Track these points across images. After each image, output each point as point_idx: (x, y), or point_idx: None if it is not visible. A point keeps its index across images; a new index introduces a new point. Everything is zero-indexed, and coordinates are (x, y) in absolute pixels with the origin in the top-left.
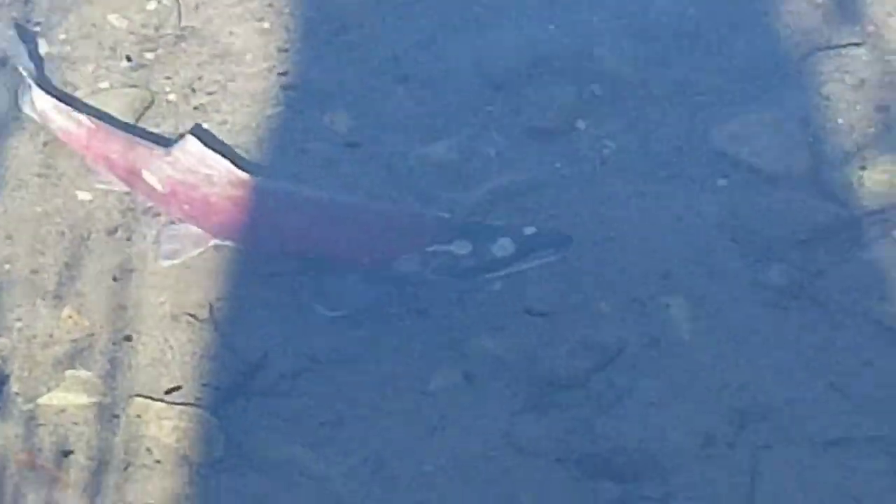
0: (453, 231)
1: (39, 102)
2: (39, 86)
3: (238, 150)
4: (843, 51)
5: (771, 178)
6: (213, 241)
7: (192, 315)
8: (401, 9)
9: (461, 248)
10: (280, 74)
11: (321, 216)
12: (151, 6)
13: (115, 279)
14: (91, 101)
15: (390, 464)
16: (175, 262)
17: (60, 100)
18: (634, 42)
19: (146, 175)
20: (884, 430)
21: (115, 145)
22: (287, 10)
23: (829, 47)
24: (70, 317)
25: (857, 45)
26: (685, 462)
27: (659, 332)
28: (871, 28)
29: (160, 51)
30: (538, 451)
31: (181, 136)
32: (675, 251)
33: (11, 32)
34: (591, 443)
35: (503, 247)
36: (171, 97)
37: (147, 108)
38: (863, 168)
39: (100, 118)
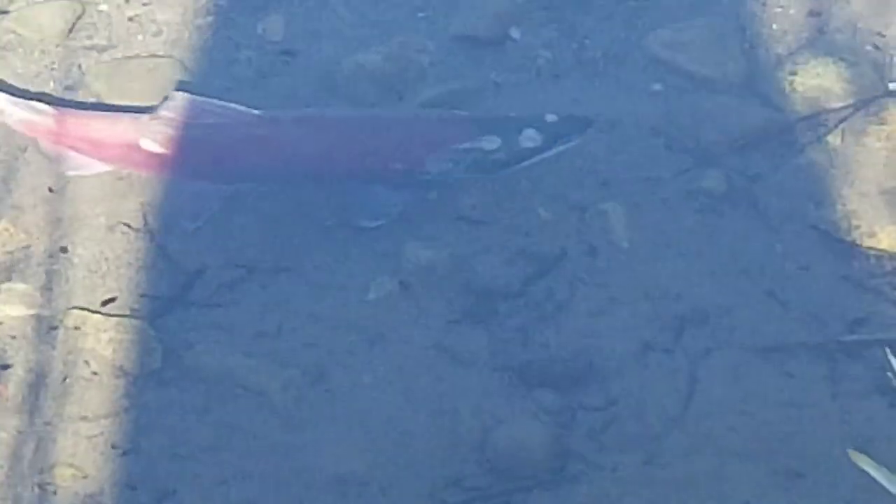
0: (480, 127)
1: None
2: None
3: (174, 61)
4: None
5: (706, 83)
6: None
7: (127, 225)
8: None
9: (490, 143)
10: None
11: (350, 133)
12: None
13: (50, 191)
14: (23, 14)
15: (328, 374)
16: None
17: (12, 93)
18: None
19: (144, 143)
20: (820, 336)
21: (93, 125)
22: None
23: None
24: (6, 229)
25: None
26: (624, 369)
27: (597, 240)
28: None
29: None
30: (476, 361)
31: (164, 98)
32: (611, 158)
33: None
34: (530, 352)
35: (530, 137)
36: (104, 7)
37: (78, 18)
38: (794, 73)
39: (61, 105)
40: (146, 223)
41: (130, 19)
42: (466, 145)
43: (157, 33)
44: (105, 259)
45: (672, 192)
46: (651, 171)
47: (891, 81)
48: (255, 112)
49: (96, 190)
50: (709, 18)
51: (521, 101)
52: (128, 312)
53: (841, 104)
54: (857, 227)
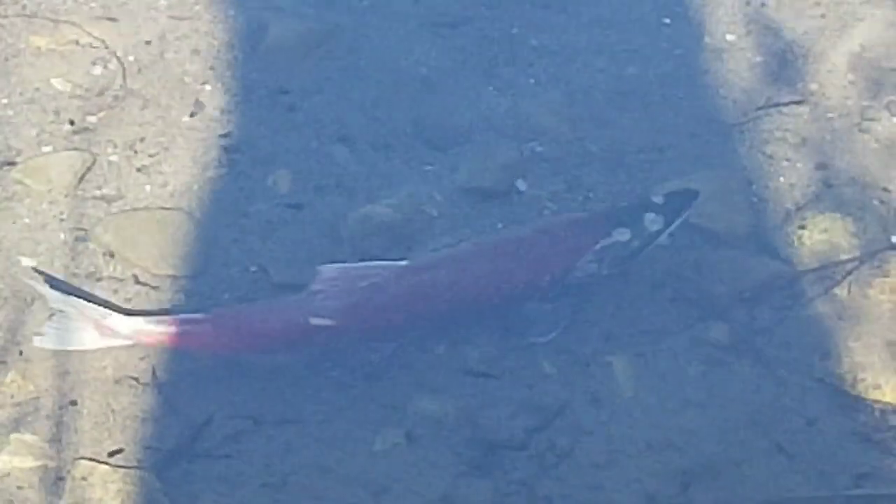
0: (610, 222)
1: (124, 328)
2: (120, 312)
3: (182, 213)
4: (785, 109)
5: (713, 236)
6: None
7: (134, 377)
8: (342, 70)
9: (622, 235)
10: (221, 136)
11: (497, 260)
12: (97, 70)
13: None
14: (31, 164)
15: None
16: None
17: (147, 314)
18: (574, 102)
19: (314, 321)
20: (827, 491)
21: (254, 320)
22: (228, 73)
23: (771, 106)
24: (14, 381)
25: (798, 103)
26: None
27: (601, 391)
28: (812, 86)
29: (103, 114)
30: None
31: (314, 274)
32: (617, 310)
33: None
34: None
35: (653, 220)
36: (113, 158)
37: (88, 169)
38: (802, 227)
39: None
40: (153, 375)
41: (139, 170)
42: (604, 243)
43: (165, 184)
44: (112, 411)
45: (677, 343)
46: (657, 323)
47: (895, 235)
48: (400, 263)
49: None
50: (715, 171)
51: None
52: (135, 464)
53: (846, 257)
54: (863, 379)
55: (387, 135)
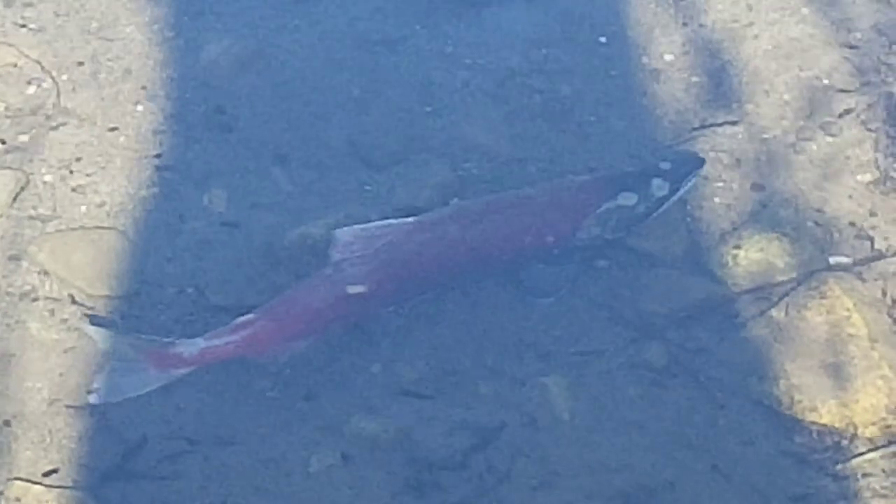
0: (616, 186)
1: (190, 351)
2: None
3: (118, 232)
4: (719, 129)
5: (649, 256)
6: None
7: (70, 397)
8: (277, 89)
9: (628, 199)
10: (156, 156)
11: (505, 218)
12: (31, 90)
13: None
14: None
15: None
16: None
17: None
18: (510, 122)
19: (350, 289)
20: None
21: (295, 305)
22: (162, 93)
23: (705, 126)
24: None
25: (732, 123)
26: None
27: (538, 412)
28: (748, 107)
29: (35, 132)
30: None
31: (329, 244)
32: (553, 331)
33: None
34: None
35: (659, 186)
36: (48, 178)
37: (22, 189)
38: (738, 247)
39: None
40: (89, 395)
41: (74, 190)
42: (609, 206)
43: (101, 204)
44: (47, 431)
45: (614, 364)
46: (593, 344)
47: (831, 256)
48: (409, 220)
49: (39, 363)
50: None
51: None
52: (70, 484)
53: (783, 278)
54: (800, 401)
55: (322, 154)
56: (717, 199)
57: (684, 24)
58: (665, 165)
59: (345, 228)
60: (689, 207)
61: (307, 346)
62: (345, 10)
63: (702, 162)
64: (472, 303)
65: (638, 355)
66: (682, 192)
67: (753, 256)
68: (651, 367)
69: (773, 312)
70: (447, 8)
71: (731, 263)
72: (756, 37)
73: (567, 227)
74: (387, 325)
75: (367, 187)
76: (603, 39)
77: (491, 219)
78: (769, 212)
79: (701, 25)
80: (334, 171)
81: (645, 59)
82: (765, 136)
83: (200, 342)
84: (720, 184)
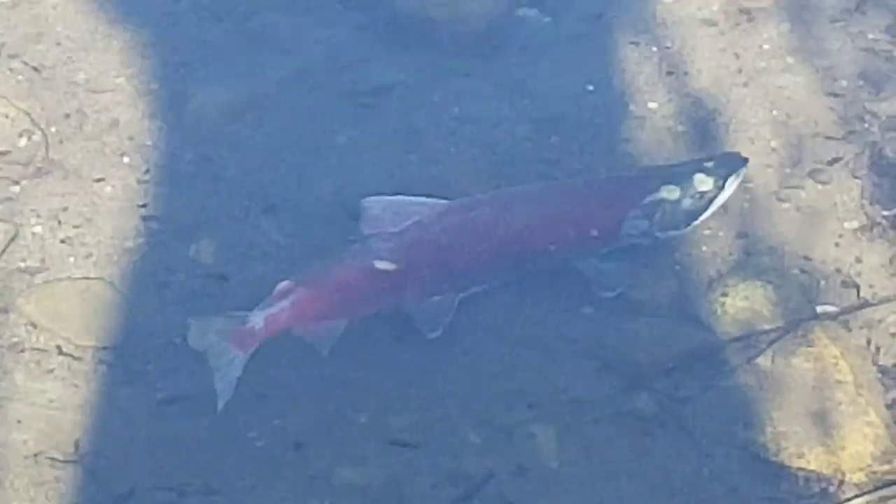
0: (657, 180)
1: (259, 321)
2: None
3: (105, 283)
4: None
5: (637, 305)
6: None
7: (56, 450)
8: (265, 139)
9: (671, 192)
10: (143, 206)
11: (549, 210)
12: (22, 143)
13: None
14: None
15: None
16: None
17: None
18: (498, 171)
19: (379, 264)
20: None
21: (329, 283)
22: (148, 143)
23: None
24: None
25: None
26: None
27: (526, 461)
28: None
29: (25, 183)
30: None
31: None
32: (542, 379)
33: None
34: None
35: (702, 181)
36: (37, 229)
37: (11, 240)
38: (725, 295)
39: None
40: (76, 448)
41: (62, 241)
42: (652, 198)
43: (89, 255)
44: (34, 484)
45: (602, 413)
46: (581, 392)
47: (818, 304)
48: (442, 202)
49: (25, 415)
50: None
51: None
52: None
53: (770, 326)
54: (786, 448)
55: (310, 205)
56: (703, 248)
57: (669, 73)
58: (709, 164)
59: (370, 199)
60: (676, 255)
61: (347, 326)
62: (332, 60)
63: (745, 161)
64: (462, 351)
65: (626, 404)
66: (728, 190)
67: (740, 304)
68: (639, 416)
69: (760, 360)
70: (433, 58)
71: (718, 312)
72: (744, 84)
73: (610, 219)
74: (375, 373)
75: (353, 237)
76: (590, 88)
77: (531, 207)
78: (755, 260)
79: (686, 73)
80: (322, 222)
81: (631, 107)
82: (750, 183)
83: (260, 313)
84: (707, 231)
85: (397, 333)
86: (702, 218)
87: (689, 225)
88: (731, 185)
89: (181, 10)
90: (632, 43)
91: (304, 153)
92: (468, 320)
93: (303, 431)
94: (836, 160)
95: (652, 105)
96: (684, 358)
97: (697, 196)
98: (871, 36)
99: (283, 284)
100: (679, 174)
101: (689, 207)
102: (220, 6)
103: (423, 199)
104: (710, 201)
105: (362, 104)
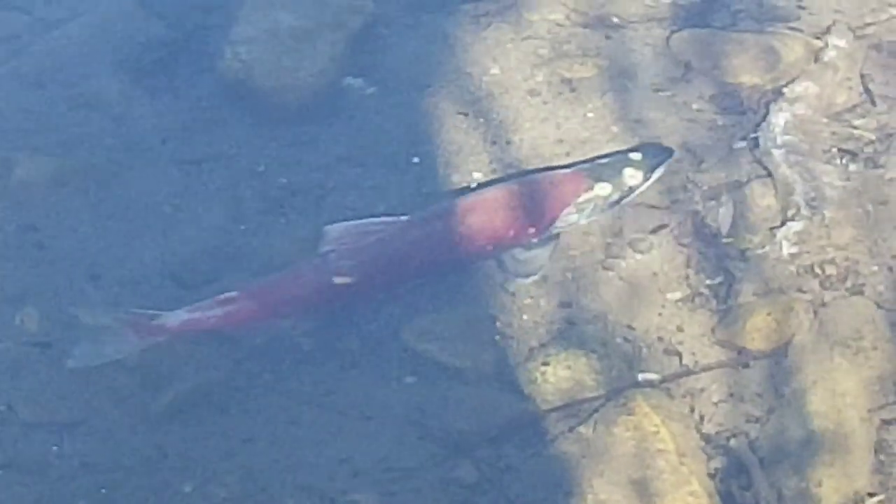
0: (592, 177)
1: (173, 322)
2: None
3: None
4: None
5: (459, 373)
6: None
7: None
8: (91, 207)
9: (603, 189)
10: None
11: (492, 212)
12: None
13: None
14: None
15: None
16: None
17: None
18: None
19: (336, 280)
20: None
21: (278, 289)
22: None
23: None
24: None
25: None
26: None
27: None
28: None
29: None
30: None
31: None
32: (365, 448)
33: None
34: None
35: (632, 176)
36: None
37: None
38: (546, 364)
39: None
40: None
41: None
42: (587, 196)
43: None
44: None
45: (425, 481)
46: (404, 461)
47: (640, 372)
48: (402, 217)
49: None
50: (459, 309)
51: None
52: None
53: (592, 395)
54: None
55: (136, 273)
56: (525, 317)
57: (493, 143)
58: (636, 156)
59: (332, 226)
60: (498, 325)
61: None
62: (157, 129)
63: (671, 152)
64: (287, 419)
65: (449, 473)
66: (651, 180)
67: (561, 374)
68: (462, 483)
69: (582, 429)
70: (258, 126)
71: (539, 380)
72: (566, 154)
73: (547, 218)
74: (198, 442)
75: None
76: (416, 159)
77: (479, 216)
78: (577, 329)
79: (508, 143)
80: (147, 290)
81: (456, 178)
82: (572, 252)
83: (183, 314)
84: (528, 300)
85: (223, 404)
86: (623, 203)
87: (611, 211)
88: (657, 175)
89: (1, 76)
90: (459, 113)
91: (129, 221)
92: (292, 389)
93: (130, 501)
94: (659, 229)
95: (476, 175)
96: (507, 426)
97: (626, 189)
98: (695, 106)
99: (226, 295)
100: (610, 171)
101: (616, 199)
102: (42, 73)
103: (382, 219)
104: (635, 190)
105: (188, 173)
